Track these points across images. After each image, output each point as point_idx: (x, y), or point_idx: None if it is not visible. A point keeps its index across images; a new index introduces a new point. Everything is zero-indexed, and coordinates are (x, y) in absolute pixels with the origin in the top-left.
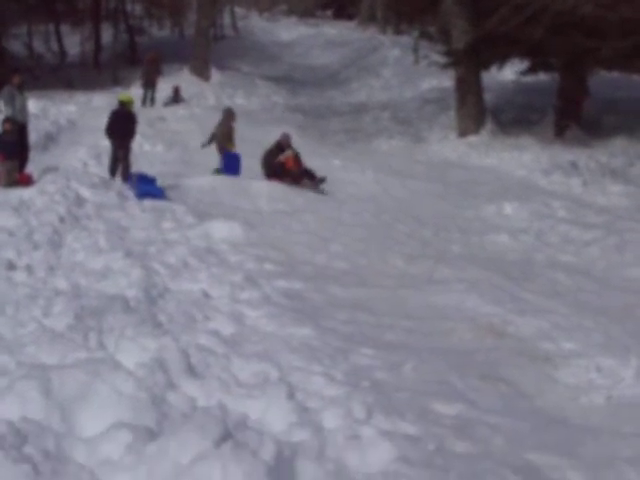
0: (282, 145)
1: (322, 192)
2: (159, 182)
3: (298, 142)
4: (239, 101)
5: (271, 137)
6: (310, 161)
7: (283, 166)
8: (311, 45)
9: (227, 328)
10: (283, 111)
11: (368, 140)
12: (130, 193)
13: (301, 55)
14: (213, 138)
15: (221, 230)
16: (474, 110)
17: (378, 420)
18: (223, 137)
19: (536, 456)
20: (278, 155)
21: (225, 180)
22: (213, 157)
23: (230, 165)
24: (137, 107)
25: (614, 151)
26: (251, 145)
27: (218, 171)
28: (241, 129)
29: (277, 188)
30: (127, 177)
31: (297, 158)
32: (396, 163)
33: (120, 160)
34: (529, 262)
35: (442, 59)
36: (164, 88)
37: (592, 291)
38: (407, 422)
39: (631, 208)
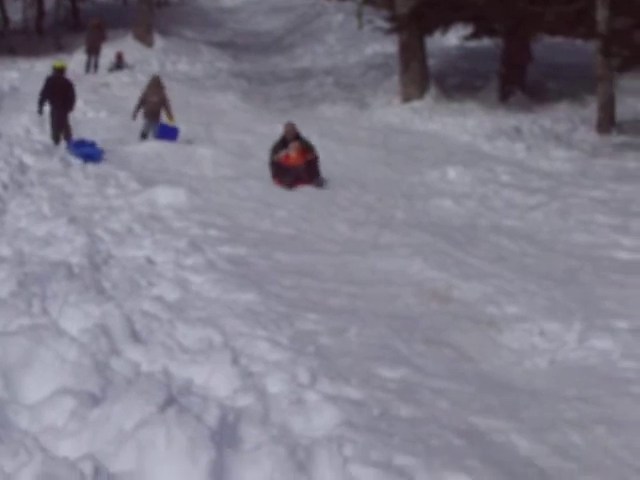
0: (286, 138)
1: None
2: (100, 146)
3: (242, 108)
4: (183, 67)
5: (214, 102)
6: (255, 127)
7: (281, 165)
8: (255, 11)
9: (171, 294)
10: (227, 77)
11: (312, 106)
12: (74, 159)
13: (245, 21)
14: (141, 104)
15: (165, 196)
16: (418, 75)
17: (322, 385)
18: (158, 106)
19: (480, 420)
20: (280, 151)
21: (170, 146)
22: None
23: (166, 138)
24: (80, 73)
25: (558, 116)
26: (196, 111)
27: (144, 135)
28: (185, 95)
29: (221, 154)
30: (66, 142)
31: (303, 150)
32: (340, 129)
33: (60, 126)
34: (473, 227)
35: (386, 24)
36: (107, 54)
37: (536, 256)
38: (351, 387)
39: (574, 173)
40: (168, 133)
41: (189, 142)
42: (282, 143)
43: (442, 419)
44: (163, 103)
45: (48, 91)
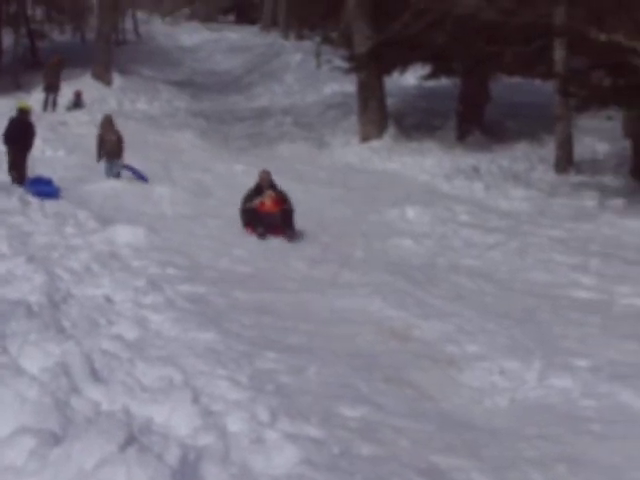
0: (261, 186)
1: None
2: (56, 184)
3: (200, 146)
4: (141, 106)
5: (173, 141)
6: (212, 166)
7: (255, 212)
8: (213, 50)
9: (131, 333)
10: (186, 116)
11: (271, 145)
12: (32, 199)
13: (203, 60)
14: (101, 145)
15: (124, 235)
16: (376, 115)
17: (283, 423)
18: (117, 145)
19: (441, 458)
20: (254, 198)
21: (128, 185)
22: None
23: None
24: (38, 112)
25: (516, 156)
26: (154, 149)
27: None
28: (143, 134)
29: (179, 193)
30: (23, 182)
31: (279, 199)
32: (299, 168)
33: (18, 167)
34: (432, 266)
35: (344, 64)
36: (66, 93)
37: (495, 295)
38: (312, 425)
39: (533, 212)
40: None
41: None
42: (256, 191)
43: (403, 458)
44: (121, 141)
45: (11, 132)
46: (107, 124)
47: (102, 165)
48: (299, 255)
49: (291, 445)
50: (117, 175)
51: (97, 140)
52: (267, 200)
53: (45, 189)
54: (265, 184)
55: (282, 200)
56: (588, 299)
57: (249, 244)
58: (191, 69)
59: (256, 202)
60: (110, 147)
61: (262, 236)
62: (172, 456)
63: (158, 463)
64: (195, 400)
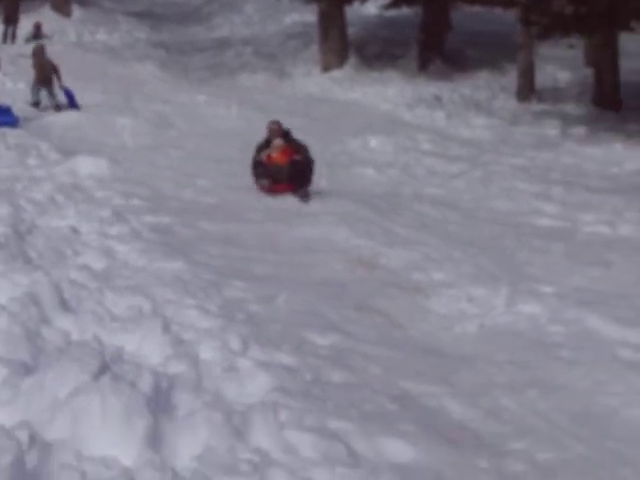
0: (270, 139)
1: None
2: (16, 113)
3: (160, 77)
4: (101, 37)
5: (133, 72)
6: (173, 97)
7: (262, 165)
8: None
9: (98, 263)
10: (146, 47)
11: (231, 76)
12: None
13: None
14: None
15: (87, 166)
16: (337, 45)
17: (254, 351)
18: (49, 73)
19: (412, 384)
20: (263, 151)
21: (89, 116)
22: (76, 94)
23: (73, 100)
24: None
25: (477, 84)
26: (114, 81)
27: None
28: (104, 65)
29: (141, 124)
30: None
31: (289, 149)
32: (260, 98)
33: None
34: (396, 195)
35: None
36: (25, 25)
37: (459, 223)
38: (283, 353)
39: (495, 141)
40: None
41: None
42: (266, 144)
43: (375, 384)
44: (54, 69)
45: None
46: (38, 53)
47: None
48: None
49: (263, 373)
50: (56, 107)
51: (34, 69)
52: (274, 152)
53: (4, 119)
54: (275, 135)
55: (294, 149)
56: (551, 227)
57: (212, 173)
58: (150, 0)
59: (263, 155)
60: (38, 75)
61: (266, 190)
62: (145, 384)
63: (132, 391)
64: (165, 329)
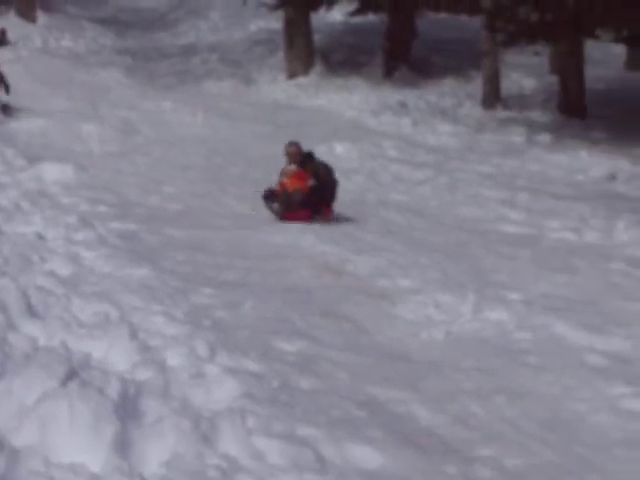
0: (287, 161)
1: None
2: None
3: (126, 84)
4: (66, 44)
5: (99, 79)
6: (139, 103)
7: (273, 194)
8: None
9: (64, 269)
10: (111, 54)
11: (198, 82)
12: None
13: None
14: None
15: (53, 172)
16: (303, 51)
17: (221, 358)
18: None
19: (380, 390)
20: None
21: (55, 123)
22: (41, 100)
23: None
24: None
25: (443, 91)
26: (80, 87)
27: None
28: (70, 72)
29: (107, 130)
30: None
31: (303, 175)
32: (226, 105)
33: None
34: (362, 202)
35: (270, 0)
36: None
37: (425, 229)
38: (250, 359)
39: (461, 148)
40: None
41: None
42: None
43: (342, 390)
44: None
45: None
46: None
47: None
48: (229, 192)
49: (231, 379)
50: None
51: None
52: (285, 178)
53: None
54: (293, 159)
55: (308, 175)
56: (518, 233)
57: (178, 180)
58: (116, 6)
59: (276, 184)
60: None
61: (278, 214)
62: (113, 390)
63: (99, 397)
64: (133, 335)
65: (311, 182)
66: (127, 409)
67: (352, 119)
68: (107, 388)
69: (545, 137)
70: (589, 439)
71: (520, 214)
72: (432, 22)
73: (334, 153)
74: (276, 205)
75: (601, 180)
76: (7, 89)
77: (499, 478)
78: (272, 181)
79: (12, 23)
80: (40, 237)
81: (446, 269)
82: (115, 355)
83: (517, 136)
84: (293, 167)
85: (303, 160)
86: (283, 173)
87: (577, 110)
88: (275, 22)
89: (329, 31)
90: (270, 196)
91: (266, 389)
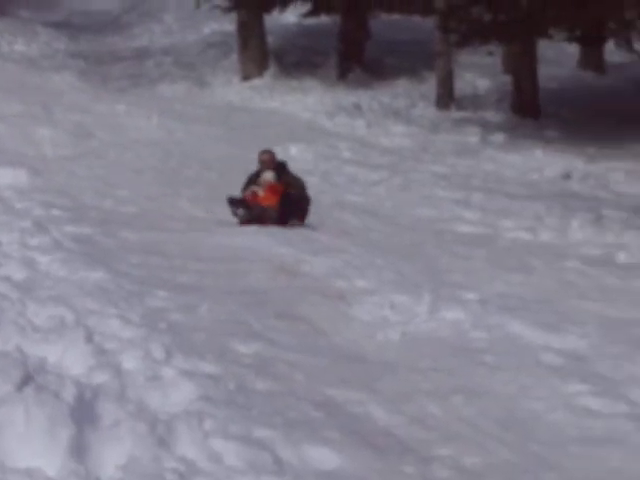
0: (260, 170)
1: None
2: None
3: (80, 88)
4: (19, 48)
5: (52, 83)
6: (93, 107)
7: (243, 203)
8: None
9: (19, 273)
10: (64, 57)
11: (151, 85)
12: None
13: (81, 1)
14: None
15: (6, 177)
16: (257, 54)
17: (178, 361)
18: None
19: (337, 391)
20: (250, 186)
21: (7, 127)
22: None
23: None
24: None
25: (397, 92)
26: (33, 91)
27: None
28: (23, 76)
29: (61, 134)
30: None
31: (278, 187)
32: (180, 108)
33: None
34: (317, 203)
35: (224, 2)
36: None
37: (380, 230)
38: (207, 362)
39: (415, 148)
40: None
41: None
42: (257, 175)
43: (299, 392)
44: None
45: None
46: None
47: None
48: (184, 195)
49: (187, 382)
50: None
51: None
52: (261, 191)
53: None
54: (266, 167)
55: (285, 185)
56: (473, 233)
57: (132, 183)
58: (69, 10)
59: (247, 192)
60: None
61: (242, 220)
62: (69, 394)
63: (55, 401)
64: (88, 339)
65: (286, 194)
66: (83, 413)
67: (306, 121)
68: (63, 392)
69: (499, 137)
70: (545, 437)
71: (475, 214)
72: (385, 23)
73: (289, 155)
74: (241, 210)
75: (555, 179)
76: None
77: (457, 477)
78: (227, 183)
79: None
80: None
81: (402, 269)
82: (71, 359)
83: (471, 136)
84: (270, 177)
85: (278, 170)
86: (260, 182)
87: (531, 110)
88: (229, 24)
89: (283, 33)
90: (237, 202)
91: (223, 391)
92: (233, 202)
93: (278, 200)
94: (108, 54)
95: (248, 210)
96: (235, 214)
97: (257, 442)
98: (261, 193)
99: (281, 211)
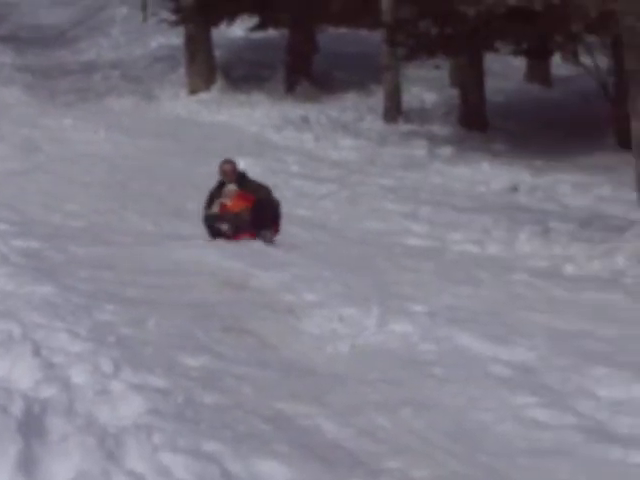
0: (223, 183)
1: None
2: None
3: (27, 102)
4: None
5: None
6: (40, 121)
7: (218, 218)
8: (37, 4)
9: None
10: (11, 71)
11: (99, 99)
12: None
13: (28, 14)
14: None
15: None
16: (204, 67)
17: (126, 374)
18: None
19: (286, 405)
20: (216, 201)
21: None
22: None
23: None
24: None
25: (345, 106)
26: None
27: None
28: None
29: (8, 149)
30: None
31: (244, 194)
32: (128, 122)
33: None
34: None
35: (171, 16)
36: None
37: (329, 243)
38: (155, 375)
39: (363, 162)
40: None
41: None
42: (219, 189)
43: (247, 405)
44: None
45: None
46: None
47: None
48: (131, 208)
49: (136, 395)
50: None
51: None
52: (228, 200)
53: None
54: (228, 178)
55: (252, 193)
56: (421, 246)
57: (80, 197)
58: (15, 24)
59: (215, 207)
60: None
61: (228, 235)
62: (16, 409)
63: (3, 416)
64: (36, 353)
65: (256, 201)
66: (31, 427)
67: (254, 134)
68: (10, 406)
69: (446, 150)
70: (494, 448)
71: (423, 227)
72: (333, 37)
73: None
74: (225, 225)
75: (503, 192)
76: None
77: None
78: (175, 196)
79: None
80: None
81: (350, 283)
82: (18, 373)
83: (419, 149)
84: (233, 188)
85: (239, 180)
86: (226, 193)
87: (478, 123)
88: (176, 38)
89: (230, 47)
90: (215, 218)
91: (171, 405)
92: (211, 218)
93: (248, 205)
94: (55, 68)
95: (224, 221)
96: (219, 231)
97: (206, 456)
98: (229, 202)
99: (253, 216)
